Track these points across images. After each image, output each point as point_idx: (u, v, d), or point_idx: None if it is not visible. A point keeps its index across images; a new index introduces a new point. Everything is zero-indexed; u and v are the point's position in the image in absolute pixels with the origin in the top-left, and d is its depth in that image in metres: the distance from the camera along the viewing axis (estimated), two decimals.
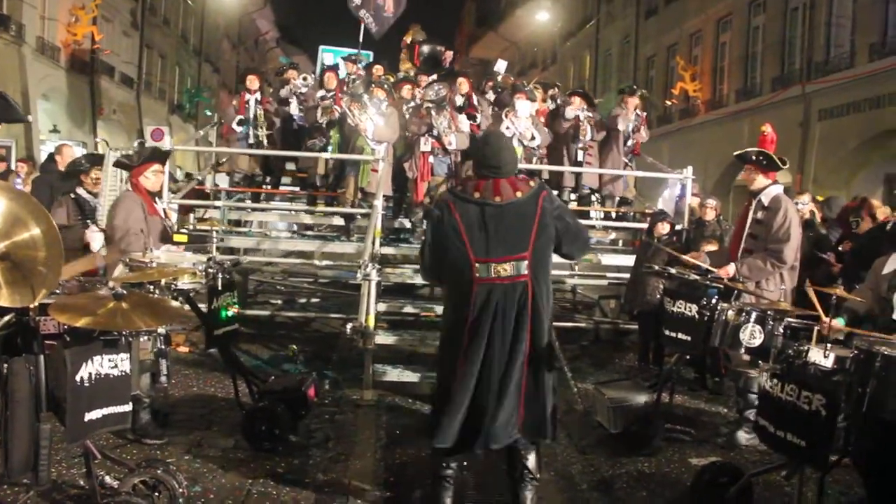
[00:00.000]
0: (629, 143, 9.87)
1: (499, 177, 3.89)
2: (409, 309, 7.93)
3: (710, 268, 5.61)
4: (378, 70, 11.56)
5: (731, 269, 5.49)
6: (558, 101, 10.86)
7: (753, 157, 5.61)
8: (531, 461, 3.92)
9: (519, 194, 3.85)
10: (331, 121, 9.30)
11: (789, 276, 5.47)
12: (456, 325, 3.88)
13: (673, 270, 5.60)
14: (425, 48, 12.01)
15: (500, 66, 12.24)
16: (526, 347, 3.78)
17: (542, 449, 5.15)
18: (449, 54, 12.53)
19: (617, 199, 10.09)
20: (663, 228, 7.53)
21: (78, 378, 3.27)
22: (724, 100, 21.18)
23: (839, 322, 4.27)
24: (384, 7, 12.54)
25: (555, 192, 9.75)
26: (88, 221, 5.73)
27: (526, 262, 3.79)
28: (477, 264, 3.79)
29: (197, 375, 6.85)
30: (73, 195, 5.97)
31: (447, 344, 4.01)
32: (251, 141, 9.65)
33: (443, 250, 3.90)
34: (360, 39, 12.33)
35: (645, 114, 10.37)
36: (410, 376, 6.82)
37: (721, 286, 5.21)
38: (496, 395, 3.74)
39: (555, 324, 6.99)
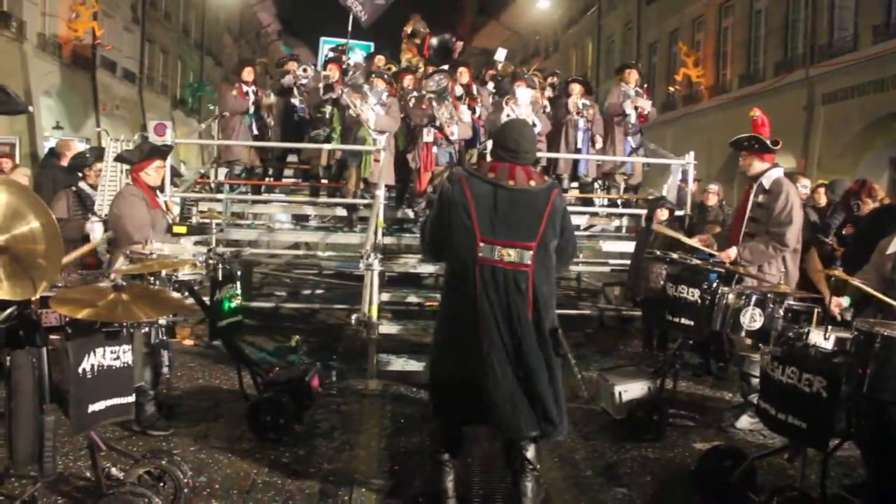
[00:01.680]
0: (633, 120, 9.74)
1: (515, 162, 3.87)
2: (412, 299, 7.93)
3: (711, 251, 5.60)
4: (380, 60, 11.53)
5: (732, 252, 5.49)
6: (556, 90, 10.84)
7: (745, 143, 5.60)
8: (531, 452, 3.89)
9: (532, 183, 3.83)
10: (335, 100, 9.25)
11: (791, 259, 5.46)
12: (456, 304, 3.87)
13: (675, 255, 5.59)
14: (434, 40, 11.93)
15: (500, 54, 12.22)
16: (527, 339, 3.75)
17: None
18: (459, 44, 12.46)
19: (622, 186, 10.06)
20: (663, 214, 7.51)
21: (80, 370, 3.29)
22: (728, 85, 21.08)
23: (844, 301, 4.27)
24: None
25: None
26: (89, 214, 5.76)
27: (531, 253, 3.76)
28: (481, 244, 3.76)
29: (202, 367, 6.88)
30: (74, 188, 6.00)
31: (446, 323, 3.99)
32: (255, 132, 9.68)
33: (448, 226, 3.86)
34: (349, 28, 12.31)
35: (647, 85, 10.29)
36: (415, 365, 6.83)
37: (722, 270, 5.20)
38: (501, 381, 3.71)
39: (559, 311, 7.06)
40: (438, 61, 11.54)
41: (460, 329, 3.81)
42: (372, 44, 15.70)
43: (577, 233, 9.77)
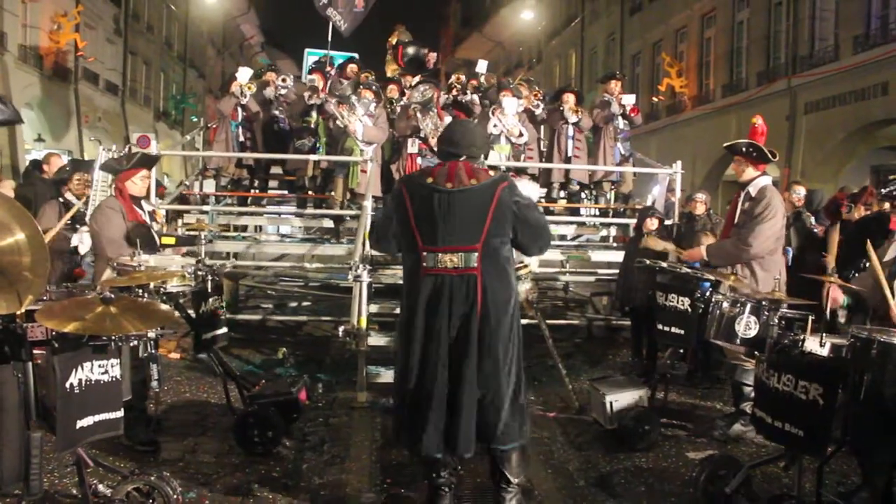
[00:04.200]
0: (621, 124, 9.80)
1: (457, 158, 3.76)
2: None
3: (677, 250, 5.62)
4: (353, 69, 11.37)
5: (703, 250, 5.48)
6: (544, 99, 10.87)
7: (744, 149, 5.57)
8: (509, 466, 3.80)
9: (474, 182, 3.68)
10: (320, 107, 9.18)
11: (759, 265, 5.39)
12: (407, 317, 3.76)
13: (664, 264, 5.58)
14: (410, 49, 11.90)
15: (481, 66, 12.26)
16: (475, 347, 3.63)
17: (537, 448, 5.19)
18: (433, 56, 12.43)
19: (609, 194, 10.08)
20: (652, 224, 7.51)
21: (68, 385, 3.21)
22: (711, 95, 21.23)
23: (842, 298, 4.25)
24: (354, 2, 12.44)
25: (544, 190, 9.82)
26: (77, 226, 5.72)
27: (476, 255, 3.64)
28: (424, 253, 3.67)
29: (189, 381, 6.79)
30: (62, 199, 5.96)
31: (400, 339, 3.86)
32: (241, 139, 9.63)
33: (396, 234, 3.82)
34: (329, 39, 12.30)
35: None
36: None
37: (712, 278, 5.18)
38: (451, 397, 3.62)
39: (548, 321, 7.03)
40: (413, 72, 11.51)
41: (413, 341, 3.70)
42: (356, 55, 15.66)
43: (564, 242, 9.89)
